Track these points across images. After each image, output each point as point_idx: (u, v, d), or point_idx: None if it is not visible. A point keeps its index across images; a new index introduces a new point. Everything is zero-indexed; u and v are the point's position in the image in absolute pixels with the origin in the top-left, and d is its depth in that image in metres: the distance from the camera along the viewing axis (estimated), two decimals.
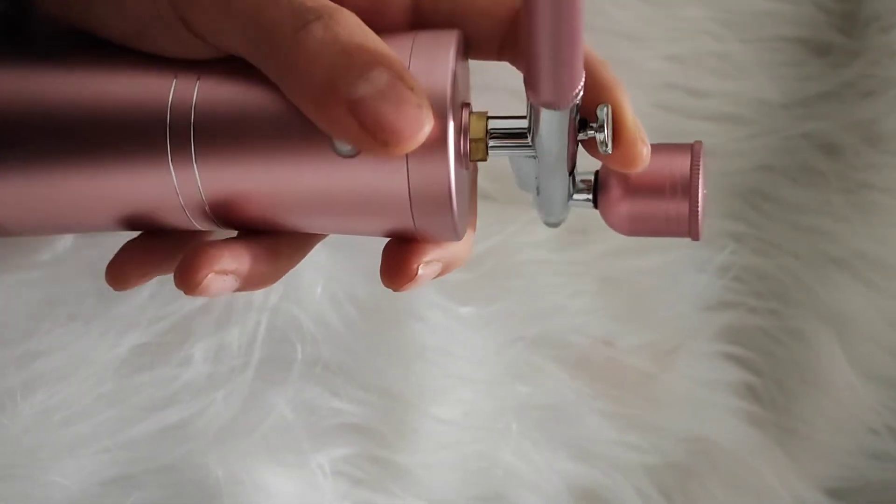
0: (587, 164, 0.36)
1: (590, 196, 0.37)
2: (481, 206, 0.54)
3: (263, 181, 0.31)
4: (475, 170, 0.37)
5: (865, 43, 0.62)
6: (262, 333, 0.48)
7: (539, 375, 0.56)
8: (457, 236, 0.32)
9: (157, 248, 0.36)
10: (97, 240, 0.46)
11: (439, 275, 0.34)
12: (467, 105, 0.33)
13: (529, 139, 0.32)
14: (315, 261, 0.49)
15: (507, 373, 0.55)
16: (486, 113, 0.33)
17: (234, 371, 0.48)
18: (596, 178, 0.37)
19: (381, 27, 0.31)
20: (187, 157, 0.31)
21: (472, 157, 0.32)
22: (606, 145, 0.32)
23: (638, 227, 0.37)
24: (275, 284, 0.48)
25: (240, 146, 0.31)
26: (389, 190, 0.31)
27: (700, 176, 0.35)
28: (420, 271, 0.33)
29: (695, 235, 0.36)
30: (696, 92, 0.60)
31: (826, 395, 0.63)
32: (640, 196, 0.36)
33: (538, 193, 0.36)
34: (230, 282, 0.33)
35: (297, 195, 0.31)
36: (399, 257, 0.33)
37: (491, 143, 0.33)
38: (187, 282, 0.32)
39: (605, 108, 0.31)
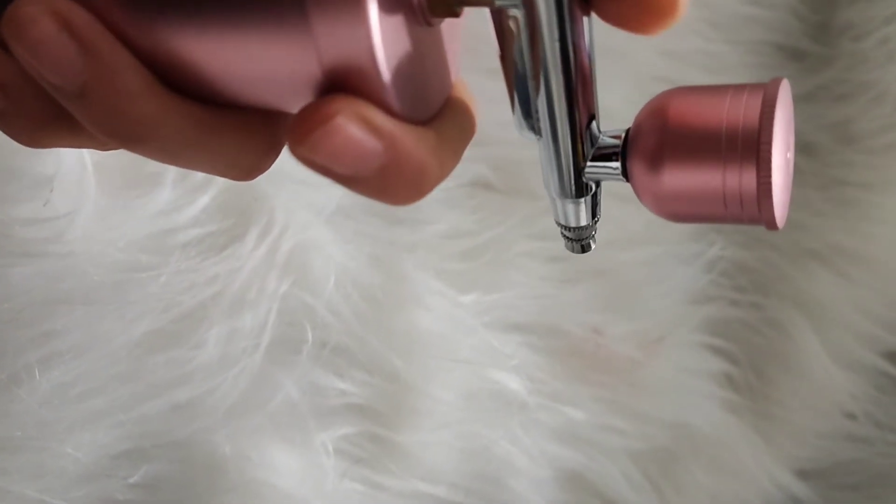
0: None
1: (618, 164, 0.26)
2: (482, 196, 0.56)
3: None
4: (454, 33, 0.26)
5: (838, 50, 0.65)
6: (273, 318, 0.49)
7: (533, 361, 0.58)
8: (385, 87, 0.22)
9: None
10: (111, 231, 0.47)
11: (389, 172, 0.22)
12: None
13: None
14: (327, 253, 0.50)
15: (503, 358, 0.57)
16: None
17: (244, 352, 0.49)
18: (626, 138, 0.26)
19: None
20: None
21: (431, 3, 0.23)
22: None
23: (684, 208, 0.25)
24: (284, 273, 0.50)
25: None
26: None
27: (777, 125, 0.23)
28: (339, 120, 0.21)
29: (769, 221, 0.24)
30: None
31: (802, 382, 0.65)
32: (684, 158, 0.24)
33: (536, 121, 0.25)
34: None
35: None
36: (315, 103, 0.22)
37: None
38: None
39: None
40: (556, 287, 0.58)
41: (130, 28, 0.23)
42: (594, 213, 0.28)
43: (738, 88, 0.24)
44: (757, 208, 0.23)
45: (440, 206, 0.53)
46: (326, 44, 0.21)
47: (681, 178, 0.24)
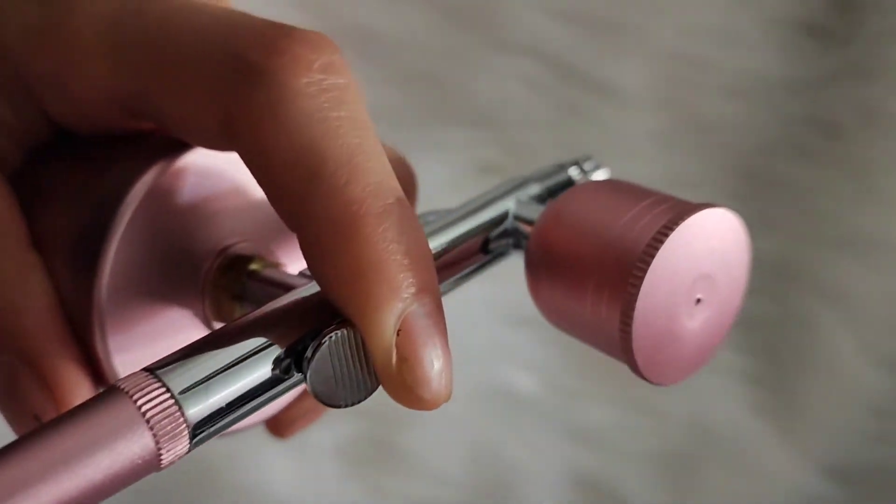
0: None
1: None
2: (491, 182, 0.53)
3: None
4: None
5: (865, 26, 0.62)
6: None
7: (544, 357, 0.55)
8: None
9: None
10: None
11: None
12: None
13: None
14: None
15: (511, 354, 0.54)
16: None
17: None
18: (527, 243, 0.24)
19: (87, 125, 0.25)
20: None
21: None
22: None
23: (565, 325, 0.22)
24: None
25: None
26: None
27: (674, 259, 0.18)
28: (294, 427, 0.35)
29: (637, 373, 0.20)
30: (702, 65, 0.60)
31: (828, 378, 0.63)
32: (566, 276, 0.20)
33: None
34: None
35: None
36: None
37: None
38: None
39: (316, 346, 0.18)
40: None
41: None
42: None
43: (656, 202, 0.19)
44: (622, 353, 0.19)
45: (446, 193, 0.51)
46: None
47: (558, 302, 0.20)
